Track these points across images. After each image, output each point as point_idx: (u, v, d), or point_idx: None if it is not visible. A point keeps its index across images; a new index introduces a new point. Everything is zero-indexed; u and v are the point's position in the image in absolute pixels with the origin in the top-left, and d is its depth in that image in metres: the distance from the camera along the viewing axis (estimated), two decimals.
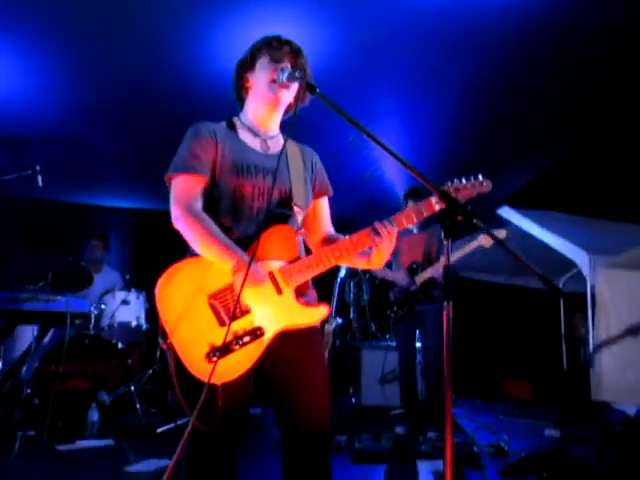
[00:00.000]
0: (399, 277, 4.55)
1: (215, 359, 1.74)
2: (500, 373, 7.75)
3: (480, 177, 2.01)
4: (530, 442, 4.37)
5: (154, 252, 6.54)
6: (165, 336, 1.79)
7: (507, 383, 7.63)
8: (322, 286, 6.07)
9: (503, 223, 7.54)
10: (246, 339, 1.80)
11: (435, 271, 4.38)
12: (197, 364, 1.76)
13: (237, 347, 1.79)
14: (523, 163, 6.83)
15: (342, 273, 6.20)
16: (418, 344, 4.90)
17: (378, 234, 1.91)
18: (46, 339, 4.94)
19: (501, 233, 4.33)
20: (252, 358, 1.81)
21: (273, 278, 1.87)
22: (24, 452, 4.05)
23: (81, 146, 5.90)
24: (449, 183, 2.02)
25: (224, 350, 1.76)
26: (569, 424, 4.84)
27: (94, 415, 4.52)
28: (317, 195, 2.18)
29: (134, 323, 5.09)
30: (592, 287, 6.04)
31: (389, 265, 4.75)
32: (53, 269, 4.75)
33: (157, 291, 1.82)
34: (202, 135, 1.99)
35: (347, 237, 1.95)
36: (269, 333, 1.83)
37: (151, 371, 5.51)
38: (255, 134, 2.08)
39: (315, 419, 1.92)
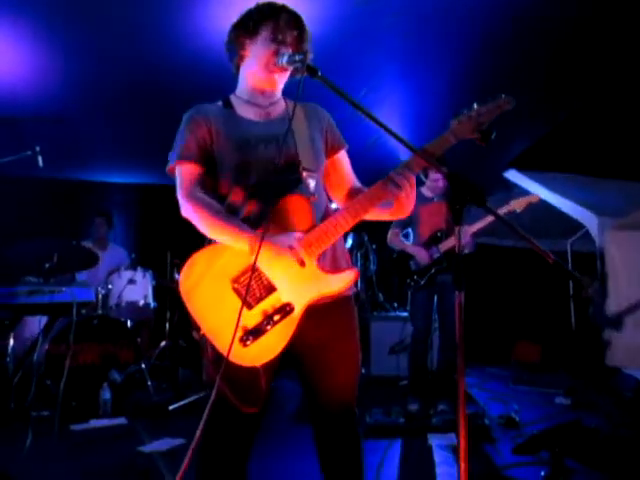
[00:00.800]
0: (417, 253, 4.44)
1: (249, 342, 1.74)
2: (510, 336, 7.77)
3: (502, 95, 1.86)
4: (540, 411, 4.38)
5: (158, 227, 6.54)
6: (197, 327, 1.77)
7: (517, 346, 7.65)
8: None
9: (510, 186, 7.51)
10: (276, 317, 1.78)
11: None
12: (233, 350, 1.73)
13: (269, 327, 1.77)
14: (528, 125, 6.70)
15: (349, 244, 6.15)
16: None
17: (397, 185, 1.81)
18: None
19: (534, 198, 4.28)
20: (286, 336, 1.79)
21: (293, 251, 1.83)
22: (38, 433, 4.09)
23: (80, 124, 5.82)
24: (465, 111, 1.86)
25: (257, 332, 1.76)
26: (579, 391, 4.82)
27: (106, 394, 4.55)
28: (332, 151, 2.09)
29: (142, 302, 5.08)
30: (601, 249, 6.03)
31: (407, 235, 4.68)
32: (58, 251, 4.76)
33: (180, 284, 1.80)
34: (194, 120, 1.93)
35: (362, 193, 1.87)
36: (298, 308, 1.80)
37: (161, 348, 5.53)
38: (253, 104, 2.00)
39: (341, 399, 1.96)
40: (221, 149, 1.89)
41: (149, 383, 4.85)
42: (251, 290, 1.77)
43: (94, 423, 4.30)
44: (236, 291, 1.79)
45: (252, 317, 1.75)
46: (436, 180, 4.52)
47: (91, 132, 6.07)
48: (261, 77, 1.96)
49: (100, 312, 4.83)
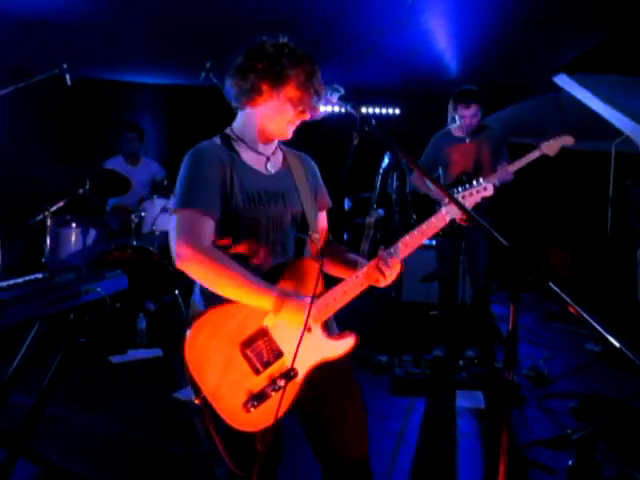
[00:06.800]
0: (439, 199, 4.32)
1: (253, 408, 1.73)
2: (541, 243, 7.70)
3: (481, 180, 1.93)
4: (570, 361, 4.38)
5: (190, 134, 6.34)
6: (198, 391, 1.73)
7: (546, 253, 7.65)
8: (365, 176, 5.77)
9: (557, 90, 7.18)
10: (281, 383, 1.76)
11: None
12: (234, 415, 1.73)
13: (273, 393, 1.76)
14: (584, 30, 6.18)
15: (384, 163, 5.93)
16: None
17: (381, 271, 1.79)
18: (89, 241, 4.98)
19: (568, 139, 3.94)
20: (287, 400, 1.77)
21: None
22: (76, 361, 4.24)
23: (110, 27, 5.49)
24: (456, 190, 1.93)
25: (260, 397, 1.74)
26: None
27: (142, 323, 4.70)
28: (318, 209, 2.03)
29: None
30: None
31: (438, 177, 4.46)
32: (90, 176, 4.76)
33: (185, 348, 1.71)
34: (209, 165, 1.78)
35: (366, 265, 1.83)
36: (302, 372, 1.79)
37: None
38: (255, 151, 1.89)
39: (355, 450, 1.93)
40: (232, 200, 1.78)
41: (183, 309, 4.94)
42: (260, 356, 1.75)
43: (131, 354, 4.46)
44: (244, 356, 1.74)
45: (258, 382, 1.73)
46: (463, 117, 4.19)
47: (120, 33, 5.75)
48: (276, 131, 1.86)
49: (134, 242, 4.84)
